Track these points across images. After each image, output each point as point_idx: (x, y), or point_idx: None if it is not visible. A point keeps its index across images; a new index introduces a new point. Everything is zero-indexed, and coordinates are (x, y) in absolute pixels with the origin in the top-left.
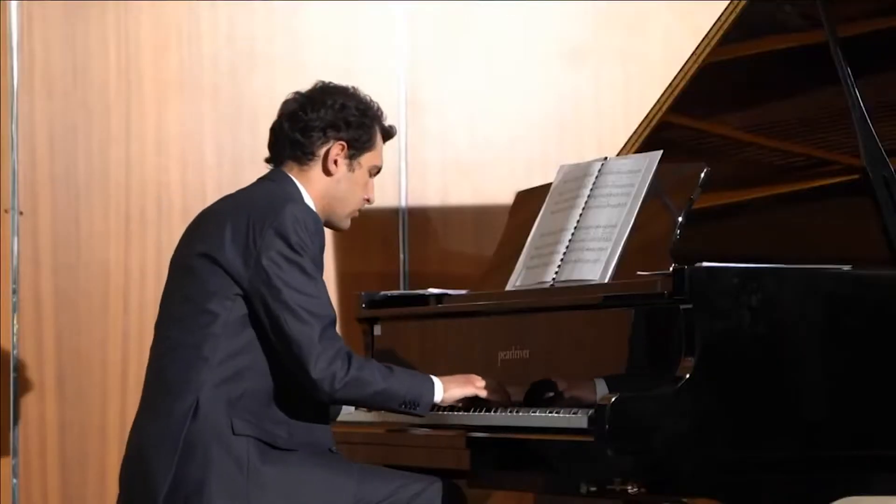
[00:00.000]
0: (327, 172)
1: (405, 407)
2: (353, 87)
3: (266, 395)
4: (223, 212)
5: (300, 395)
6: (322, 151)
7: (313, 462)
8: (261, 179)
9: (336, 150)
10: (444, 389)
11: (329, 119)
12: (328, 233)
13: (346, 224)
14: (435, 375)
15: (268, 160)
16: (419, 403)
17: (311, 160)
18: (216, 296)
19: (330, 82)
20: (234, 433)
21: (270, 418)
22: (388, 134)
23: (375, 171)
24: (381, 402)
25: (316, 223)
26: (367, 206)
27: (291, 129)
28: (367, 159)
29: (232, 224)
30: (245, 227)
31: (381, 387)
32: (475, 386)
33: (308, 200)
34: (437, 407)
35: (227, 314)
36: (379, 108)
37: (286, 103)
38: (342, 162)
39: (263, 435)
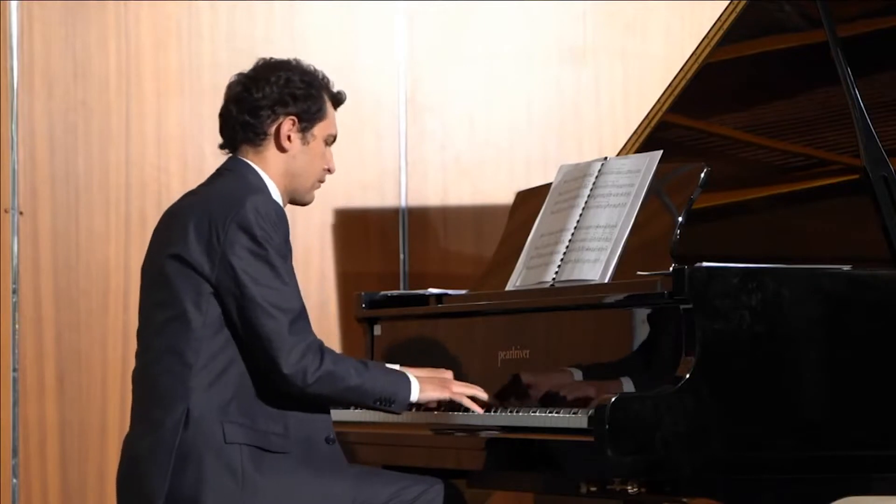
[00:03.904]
0: (281, 149)
1: (380, 404)
2: (296, 59)
3: (257, 390)
4: (185, 210)
5: None
6: (273, 129)
7: (309, 468)
8: (219, 171)
9: (287, 125)
10: (420, 389)
11: (275, 96)
12: (329, 232)
13: (311, 197)
14: (411, 373)
15: (222, 146)
16: (394, 401)
17: (264, 140)
18: (190, 298)
19: (271, 58)
20: (226, 441)
21: (265, 413)
22: (338, 100)
23: (331, 139)
24: (355, 398)
25: (278, 213)
26: (328, 175)
27: (239, 111)
28: (320, 129)
29: (195, 221)
30: (207, 223)
31: (354, 382)
32: (451, 391)
33: (269, 182)
34: (413, 406)
35: (204, 315)
36: (325, 77)
37: (231, 86)
38: (295, 136)
39: (257, 439)
